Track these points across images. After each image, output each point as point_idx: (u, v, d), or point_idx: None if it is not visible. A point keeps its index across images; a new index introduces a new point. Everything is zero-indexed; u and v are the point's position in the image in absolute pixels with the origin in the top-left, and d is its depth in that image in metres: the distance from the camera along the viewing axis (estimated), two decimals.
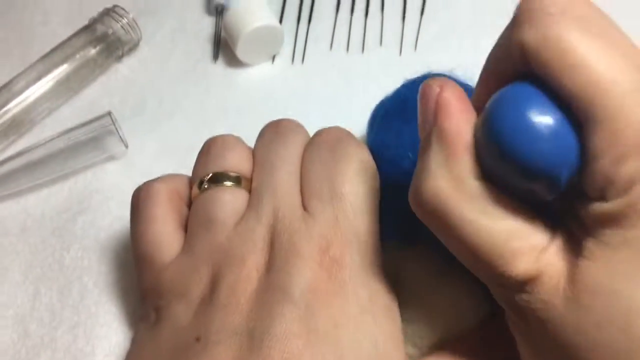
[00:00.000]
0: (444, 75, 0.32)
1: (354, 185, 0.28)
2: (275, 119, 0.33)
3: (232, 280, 0.26)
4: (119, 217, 0.36)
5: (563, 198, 0.21)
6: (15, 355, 0.32)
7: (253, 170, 0.30)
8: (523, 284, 0.21)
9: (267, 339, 0.23)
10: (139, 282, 0.30)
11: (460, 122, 0.22)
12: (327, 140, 0.30)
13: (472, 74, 0.32)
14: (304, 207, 0.28)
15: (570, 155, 0.20)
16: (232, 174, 0.29)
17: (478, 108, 0.22)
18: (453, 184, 0.21)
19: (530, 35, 0.20)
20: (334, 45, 0.44)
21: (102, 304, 0.33)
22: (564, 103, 0.20)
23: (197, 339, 0.24)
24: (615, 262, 0.19)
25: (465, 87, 0.32)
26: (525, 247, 0.21)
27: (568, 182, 0.20)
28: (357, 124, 0.33)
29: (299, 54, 0.44)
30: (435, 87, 0.23)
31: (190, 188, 0.30)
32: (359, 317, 0.25)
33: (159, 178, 0.31)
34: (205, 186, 0.29)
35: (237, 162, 0.30)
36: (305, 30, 0.45)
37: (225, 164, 0.30)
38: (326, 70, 0.43)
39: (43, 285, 0.34)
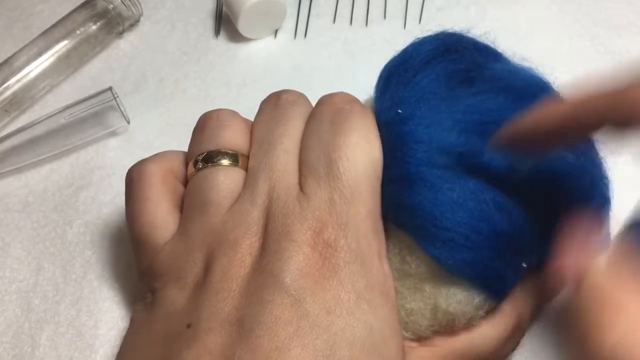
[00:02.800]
0: (458, 34, 0.31)
1: (352, 162, 0.26)
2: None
3: (225, 264, 0.25)
4: (120, 192, 0.36)
5: None
6: (18, 330, 0.32)
7: (250, 148, 0.29)
8: None
9: (256, 327, 0.23)
10: (137, 262, 0.29)
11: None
12: (328, 110, 0.28)
13: None
14: (300, 187, 0.27)
15: None
16: (227, 152, 0.28)
17: None
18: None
19: None
20: (337, 19, 0.43)
21: (105, 278, 0.33)
22: None
23: (188, 326, 0.24)
24: None
25: (483, 48, 0.31)
26: None
27: None
28: (360, 98, 0.33)
29: (302, 28, 0.43)
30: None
31: (186, 165, 0.30)
32: (353, 303, 0.24)
33: (152, 157, 0.30)
34: (200, 166, 0.28)
35: (233, 138, 0.29)
36: (308, 4, 0.44)
37: (221, 141, 0.29)
38: (329, 44, 0.42)
39: (46, 261, 0.34)
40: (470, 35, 0.31)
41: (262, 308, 0.23)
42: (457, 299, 0.26)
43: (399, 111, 0.28)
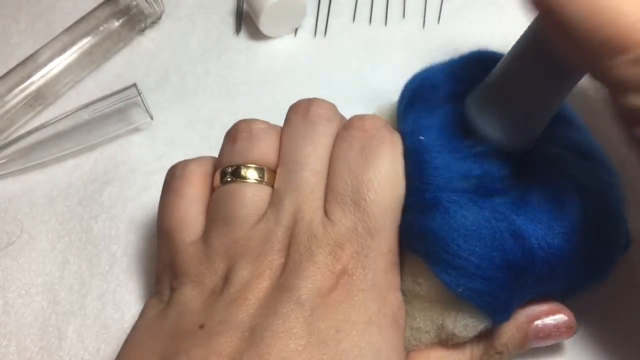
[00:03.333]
0: (491, 57, 0.31)
1: (380, 195, 0.27)
2: (298, 96, 0.31)
3: (245, 276, 0.26)
4: (144, 187, 0.37)
5: None
6: (45, 322, 0.33)
7: (278, 164, 0.29)
8: None
9: (268, 336, 0.24)
10: (159, 255, 0.30)
11: None
12: (360, 136, 0.28)
13: (496, 46, 0.32)
14: (326, 211, 0.27)
15: None
16: (256, 167, 0.28)
17: None
18: None
19: None
20: (356, 18, 0.44)
21: (131, 272, 0.34)
22: None
23: (201, 327, 0.25)
24: None
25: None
26: None
27: None
28: (380, 98, 0.33)
29: (322, 26, 0.43)
30: None
31: (214, 171, 0.30)
32: (364, 326, 0.25)
33: (196, 158, 0.31)
34: (228, 179, 0.28)
35: (264, 155, 0.29)
36: (328, 3, 0.44)
37: (251, 156, 0.29)
38: (348, 43, 0.43)
39: (71, 254, 0.35)
40: (493, 52, 0.31)
41: (275, 319, 0.24)
42: (464, 323, 0.26)
43: (421, 138, 0.28)
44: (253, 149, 0.29)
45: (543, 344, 0.28)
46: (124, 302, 0.33)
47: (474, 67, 0.30)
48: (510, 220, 0.26)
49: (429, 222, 0.26)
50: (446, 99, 0.30)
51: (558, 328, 0.28)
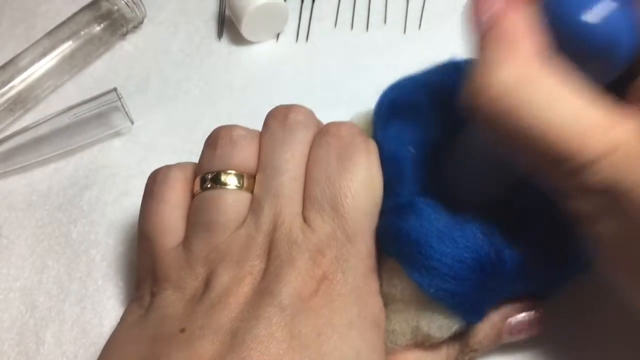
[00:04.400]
0: (453, 64, 0.31)
1: (356, 201, 0.27)
2: (280, 101, 0.32)
3: (226, 281, 0.26)
4: (124, 192, 0.37)
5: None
6: (23, 327, 0.32)
7: (257, 170, 0.29)
8: (599, 159, 0.21)
9: (249, 340, 0.24)
10: (140, 260, 0.30)
11: (517, 11, 0.23)
12: (336, 143, 0.29)
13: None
14: (304, 217, 0.27)
15: (627, 36, 0.21)
16: (236, 174, 0.29)
17: None
18: (520, 70, 0.22)
19: None
20: (338, 23, 0.44)
21: (110, 276, 0.34)
22: None
23: (182, 331, 0.25)
24: None
25: None
26: (600, 121, 0.21)
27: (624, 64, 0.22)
28: (361, 103, 0.33)
29: (304, 32, 0.44)
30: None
31: (195, 177, 0.30)
32: (345, 330, 0.25)
33: (178, 164, 0.31)
34: (208, 185, 0.29)
35: (243, 161, 0.29)
36: (310, 8, 0.45)
37: (231, 162, 0.29)
38: (331, 48, 0.43)
39: (50, 259, 0.35)
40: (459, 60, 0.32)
41: (257, 323, 0.24)
42: (439, 324, 0.27)
43: (411, 150, 0.28)
44: (233, 155, 0.29)
45: (516, 339, 0.29)
46: (103, 306, 0.33)
47: (450, 75, 0.30)
48: (484, 220, 0.26)
49: (403, 224, 0.26)
50: (432, 109, 0.30)
51: (530, 323, 0.29)
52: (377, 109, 0.31)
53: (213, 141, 0.30)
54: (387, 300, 0.28)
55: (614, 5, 0.21)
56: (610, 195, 0.21)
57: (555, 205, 0.24)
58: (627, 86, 0.23)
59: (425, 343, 0.27)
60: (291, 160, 0.29)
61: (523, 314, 0.28)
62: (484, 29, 0.23)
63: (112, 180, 0.37)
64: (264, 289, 0.25)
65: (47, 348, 0.32)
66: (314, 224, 0.27)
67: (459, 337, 0.28)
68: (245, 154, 0.29)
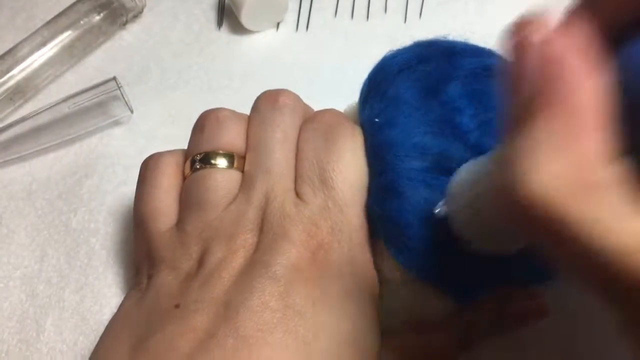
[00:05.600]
0: (433, 42, 0.31)
1: (344, 175, 0.28)
2: (275, 87, 0.32)
3: (219, 256, 0.26)
4: (124, 181, 0.37)
5: None
6: (23, 314, 0.32)
7: (247, 149, 0.30)
8: None
9: (242, 310, 0.24)
10: (137, 246, 0.30)
11: (585, 83, 0.16)
12: (322, 128, 0.30)
13: (477, 41, 0.32)
14: (296, 192, 0.28)
15: None
16: (224, 153, 0.29)
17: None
18: (576, 173, 0.16)
19: None
20: (338, 12, 0.44)
21: (110, 264, 0.34)
22: None
23: (177, 306, 0.25)
24: None
25: (459, 52, 0.31)
26: None
27: None
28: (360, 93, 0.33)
29: (304, 21, 0.44)
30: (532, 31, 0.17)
31: (185, 161, 0.31)
32: (341, 300, 0.25)
33: (169, 151, 0.31)
34: (198, 166, 0.29)
35: (231, 140, 0.30)
36: None
37: (219, 143, 0.30)
38: (331, 37, 0.43)
39: (50, 247, 0.35)
40: (447, 40, 0.32)
41: (251, 294, 0.25)
42: (431, 303, 0.27)
43: (376, 120, 0.29)
44: (220, 136, 0.30)
45: (518, 327, 0.29)
46: (102, 294, 0.33)
47: (416, 52, 0.31)
48: None
49: (386, 206, 0.27)
50: (395, 80, 0.30)
51: (531, 311, 0.28)
52: (359, 96, 0.32)
53: (200, 124, 0.31)
54: (381, 280, 0.28)
55: None
56: None
57: None
58: None
59: (419, 324, 0.27)
60: (282, 140, 0.29)
61: (523, 301, 0.28)
62: (532, 84, 0.17)
63: (112, 169, 0.37)
64: (257, 261, 0.26)
65: (47, 335, 0.32)
66: (306, 197, 0.28)
67: (458, 321, 0.28)
68: (233, 134, 0.30)
